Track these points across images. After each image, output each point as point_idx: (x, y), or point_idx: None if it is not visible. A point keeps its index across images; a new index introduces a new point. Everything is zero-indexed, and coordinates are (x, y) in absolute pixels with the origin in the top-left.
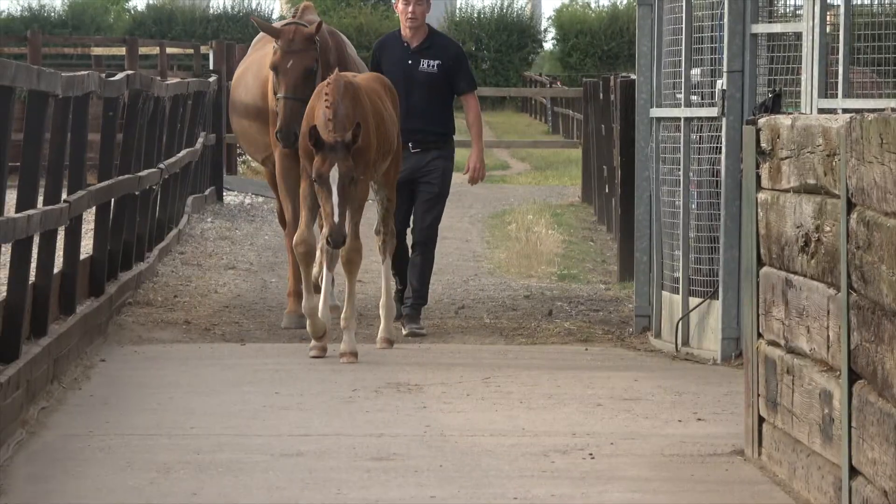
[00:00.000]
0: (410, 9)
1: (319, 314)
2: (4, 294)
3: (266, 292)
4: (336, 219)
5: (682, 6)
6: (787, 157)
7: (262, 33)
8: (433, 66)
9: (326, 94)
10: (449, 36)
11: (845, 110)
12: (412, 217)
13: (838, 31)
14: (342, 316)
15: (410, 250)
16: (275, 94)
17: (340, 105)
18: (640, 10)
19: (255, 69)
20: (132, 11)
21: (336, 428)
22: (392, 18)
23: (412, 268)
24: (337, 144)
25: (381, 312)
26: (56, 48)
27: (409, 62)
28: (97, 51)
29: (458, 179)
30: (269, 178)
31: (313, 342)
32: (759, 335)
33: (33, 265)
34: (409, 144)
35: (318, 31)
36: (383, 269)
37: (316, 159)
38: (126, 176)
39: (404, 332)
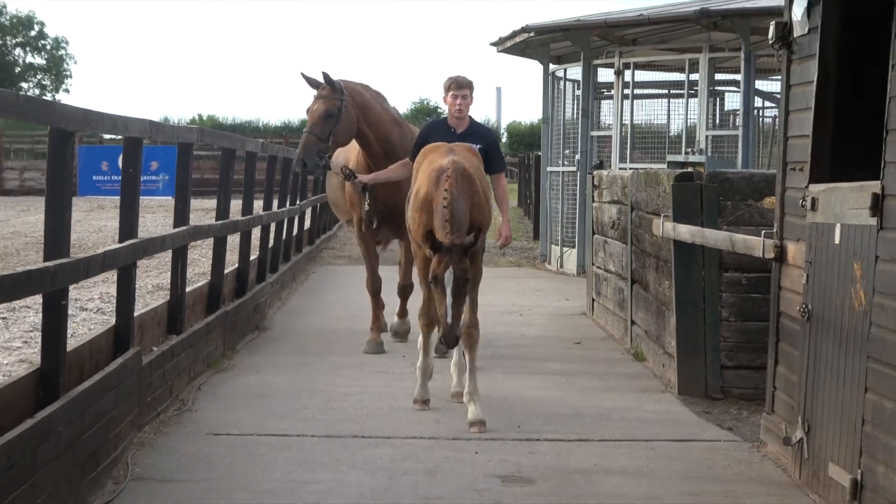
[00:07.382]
0: (458, 101)
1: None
2: (272, 243)
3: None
4: (450, 320)
5: (561, 124)
6: (605, 188)
7: None
8: (476, 149)
9: (446, 189)
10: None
11: (631, 168)
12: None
13: (628, 133)
14: (465, 391)
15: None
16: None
17: (459, 202)
18: (543, 126)
19: (344, 153)
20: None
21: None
22: None
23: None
24: (454, 247)
25: (465, 399)
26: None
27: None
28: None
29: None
30: (358, 234)
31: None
32: (593, 264)
33: (283, 235)
34: None
35: (331, 83)
36: (467, 363)
37: (433, 261)
38: (323, 194)
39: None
